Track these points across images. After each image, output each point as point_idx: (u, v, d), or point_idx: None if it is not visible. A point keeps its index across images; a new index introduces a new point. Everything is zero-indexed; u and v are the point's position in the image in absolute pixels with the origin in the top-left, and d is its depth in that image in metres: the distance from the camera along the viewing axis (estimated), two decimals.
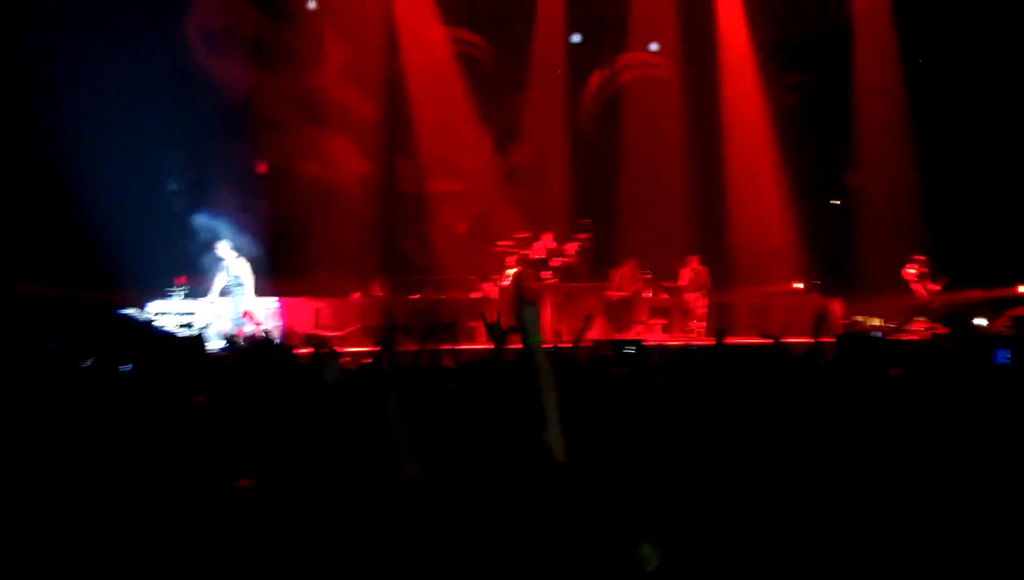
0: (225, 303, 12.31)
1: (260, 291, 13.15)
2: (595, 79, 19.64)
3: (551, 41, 18.69)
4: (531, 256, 15.53)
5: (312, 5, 17.13)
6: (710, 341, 9.26)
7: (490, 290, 15.35)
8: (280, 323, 13.24)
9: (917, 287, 14.84)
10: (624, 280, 14.97)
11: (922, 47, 18.13)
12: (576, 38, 19.27)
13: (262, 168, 17.07)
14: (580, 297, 14.65)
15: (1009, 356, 4.97)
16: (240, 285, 12.34)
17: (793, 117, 18.70)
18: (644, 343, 7.13)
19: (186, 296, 13.38)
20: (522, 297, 3.78)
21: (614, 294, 14.88)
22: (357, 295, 15.33)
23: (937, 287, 14.74)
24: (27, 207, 12.96)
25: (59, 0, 13.84)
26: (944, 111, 17.72)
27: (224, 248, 12.62)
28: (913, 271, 14.87)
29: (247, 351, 5.30)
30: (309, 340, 8.03)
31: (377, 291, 15.57)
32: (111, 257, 12.61)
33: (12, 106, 12.94)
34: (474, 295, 15.45)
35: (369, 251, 16.55)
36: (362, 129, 17.32)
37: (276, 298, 13.46)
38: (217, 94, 15.43)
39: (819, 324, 5.13)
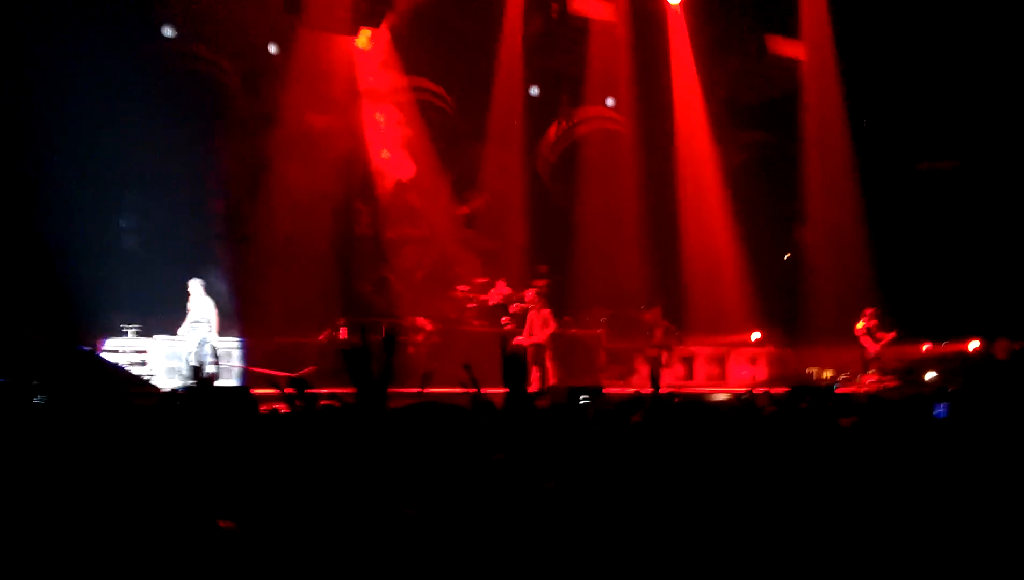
0: (188, 341, 12.14)
1: (221, 331, 13.04)
2: (553, 131, 19.96)
3: (510, 93, 18.92)
4: (490, 302, 15.58)
5: (273, 50, 17.17)
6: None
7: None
8: (241, 363, 13.14)
9: (867, 340, 15.17)
10: (534, 325, 14.25)
11: (867, 110, 18.82)
12: (535, 91, 19.62)
13: (219, 208, 16.96)
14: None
15: (946, 410, 5.18)
16: (199, 323, 12.18)
17: (745, 173, 19.23)
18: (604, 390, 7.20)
19: (138, 334, 13.22)
20: (506, 351, 3.77)
21: (520, 340, 14.19)
22: (314, 337, 15.17)
23: (887, 338, 15.08)
24: None
25: (17, 31, 13.75)
26: (889, 170, 18.37)
27: (194, 286, 12.43)
28: (863, 324, 15.20)
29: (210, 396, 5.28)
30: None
31: (343, 335, 15.35)
32: (66, 295, 12.44)
33: None
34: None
35: (328, 294, 16.42)
36: (321, 172, 17.32)
37: (238, 339, 13.35)
38: (175, 132, 15.32)
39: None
